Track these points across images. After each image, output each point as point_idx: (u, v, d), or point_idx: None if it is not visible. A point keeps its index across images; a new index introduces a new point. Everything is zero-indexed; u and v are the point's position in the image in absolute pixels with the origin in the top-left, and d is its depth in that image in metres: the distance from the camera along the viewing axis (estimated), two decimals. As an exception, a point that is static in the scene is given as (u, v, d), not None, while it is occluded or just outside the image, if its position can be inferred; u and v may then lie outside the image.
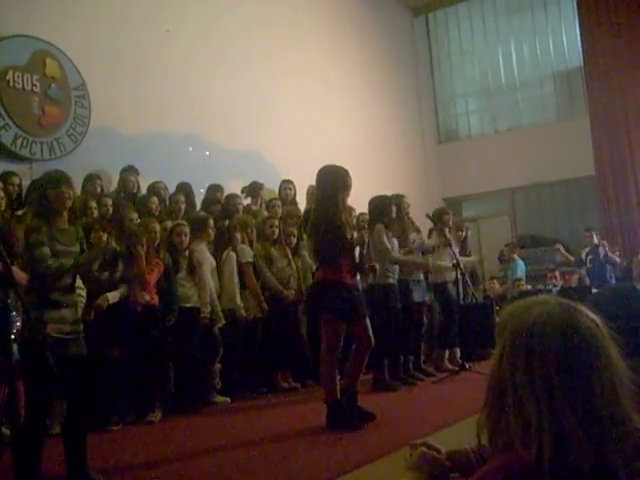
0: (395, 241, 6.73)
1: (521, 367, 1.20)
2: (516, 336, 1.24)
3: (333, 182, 4.91)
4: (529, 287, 10.46)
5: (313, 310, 5.63)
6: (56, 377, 3.34)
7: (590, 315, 1.25)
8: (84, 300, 5.30)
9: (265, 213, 7.86)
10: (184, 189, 7.54)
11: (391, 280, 6.59)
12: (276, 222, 7.14)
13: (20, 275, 3.98)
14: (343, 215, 4.91)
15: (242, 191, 8.15)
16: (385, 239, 6.43)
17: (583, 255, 10.91)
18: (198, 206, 7.63)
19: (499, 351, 1.27)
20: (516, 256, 11.06)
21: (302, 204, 8.44)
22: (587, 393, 1.17)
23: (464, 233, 8.18)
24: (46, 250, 3.66)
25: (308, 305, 6.06)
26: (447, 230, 7.43)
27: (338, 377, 4.93)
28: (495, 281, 11.08)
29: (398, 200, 7.08)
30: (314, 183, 8.02)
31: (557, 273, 11.00)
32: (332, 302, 4.84)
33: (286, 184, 8.52)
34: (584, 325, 1.22)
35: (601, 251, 10.60)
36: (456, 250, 7.64)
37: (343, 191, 4.94)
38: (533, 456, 1.13)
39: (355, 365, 5.05)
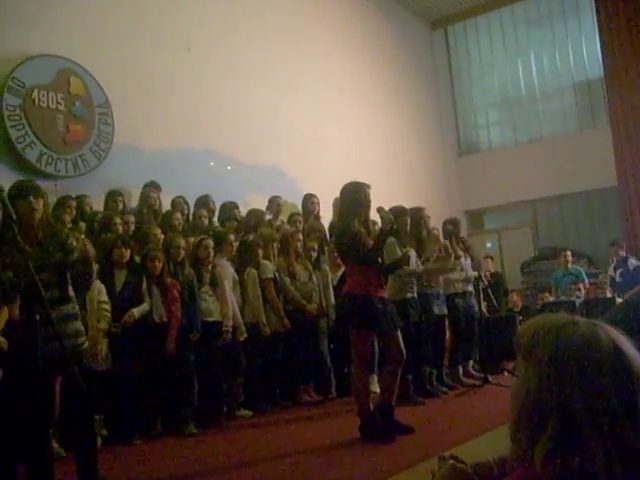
0: (413, 253, 6.54)
1: (575, 391, 1.17)
2: (565, 359, 1.20)
3: (351, 198, 5.01)
4: (551, 299, 10.37)
5: (342, 324, 5.64)
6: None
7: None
8: (109, 314, 5.35)
9: (287, 227, 7.87)
10: (206, 203, 7.59)
11: (409, 294, 6.48)
12: (301, 236, 7.19)
13: None
14: (360, 229, 4.94)
15: (267, 209, 8.18)
16: (398, 252, 6.20)
17: (611, 270, 10.76)
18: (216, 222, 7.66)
19: (537, 371, 1.21)
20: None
21: (326, 218, 8.38)
22: (629, 428, 1.15)
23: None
24: None
25: (337, 319, 6.08)
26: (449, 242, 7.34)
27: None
28: (514, 294, 10.94)
29: (416, 213, 6.86)
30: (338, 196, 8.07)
31: (580, 285, 10.88)
32: (359, 316, 4.87)
33: (312, 197, 8.43)
34: (630, 353, 1.20)
35: (630, 263, 10.47)
36: (468, 262, 7.61)
37: (361, 206, 5.01)
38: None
39: (387, 379, 5.01)
